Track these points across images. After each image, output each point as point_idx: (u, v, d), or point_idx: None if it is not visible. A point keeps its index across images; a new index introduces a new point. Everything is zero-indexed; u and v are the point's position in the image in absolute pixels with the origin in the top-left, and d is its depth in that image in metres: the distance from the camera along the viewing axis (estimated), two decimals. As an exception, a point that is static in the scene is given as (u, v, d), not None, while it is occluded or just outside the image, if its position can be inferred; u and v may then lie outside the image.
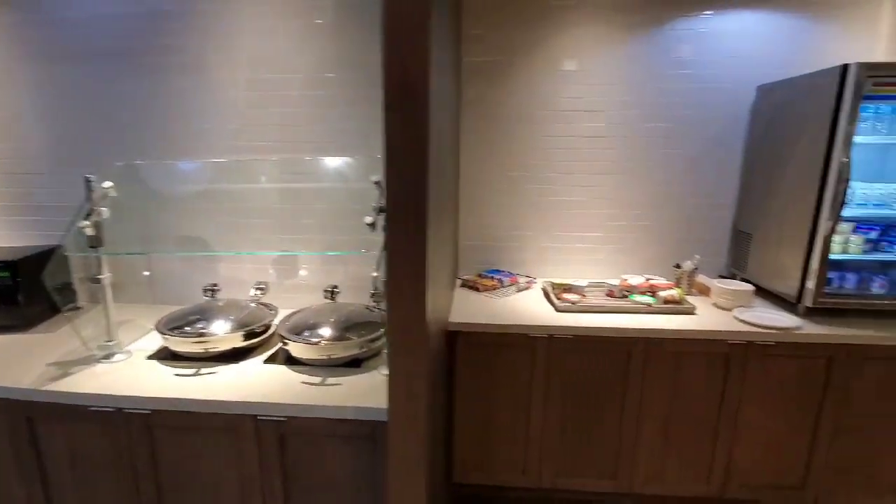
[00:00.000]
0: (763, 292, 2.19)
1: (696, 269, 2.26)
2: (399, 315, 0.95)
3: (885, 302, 1.90)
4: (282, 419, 1.33)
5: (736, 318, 1.90)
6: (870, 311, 1.93)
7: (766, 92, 2.20)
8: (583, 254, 2.54)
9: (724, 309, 2.03)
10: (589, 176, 2.46)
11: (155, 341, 1.75)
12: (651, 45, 2.31)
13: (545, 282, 2.28)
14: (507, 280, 2.37)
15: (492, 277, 2.39)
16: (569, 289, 2.17)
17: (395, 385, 0.99)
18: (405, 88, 0.85)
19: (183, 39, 1.99)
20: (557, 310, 2.00)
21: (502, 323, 1.86)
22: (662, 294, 2.03)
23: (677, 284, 2.28)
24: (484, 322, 1.87)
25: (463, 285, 2.37)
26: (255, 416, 1.34)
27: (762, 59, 2.27)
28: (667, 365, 1.86)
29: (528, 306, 2.08)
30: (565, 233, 2.53)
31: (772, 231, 2.10)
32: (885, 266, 2.11)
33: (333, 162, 1.94)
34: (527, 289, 2.36)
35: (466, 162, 2.48)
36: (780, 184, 2.05)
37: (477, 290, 2.30)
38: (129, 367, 1.61)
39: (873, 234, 1.99)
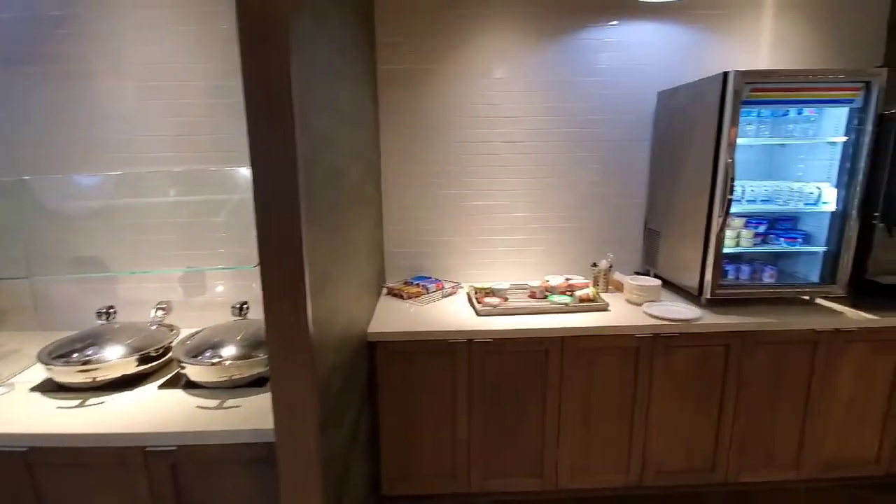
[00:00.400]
0: (672, 286, 2.31)
1: (610, 266, 2.36)
2: (276, 329, 0.92)
3: (776, 290, 2.06)
4: (172, 449, 1.24)
5: (645, 313, 1.99)
6: (763, 300, 2.09)
7: (665, 97, 2.34)
8: (508, 257, 2.59)
9: (635, 304, 2.13)
10: (510, 180, 2.52)
11: (42, 372, 1.59)
12: (563, 52, 2.40)
13: (470, 286, 2.29)
14: (432, 286, 2.37)
15: (417, 284, 2.38)
16: (490, 292, 2.19)
17: (279, 403, 0.95)
18: (265, 92, 0.82)
19: (67, 46, 1.84)
20: (479, 314, 2.02)
21: (421, 330, 1.85)
22: (578, 293, 2.10)
23: (595, 283, 2.37)
24: (403, 330, 1.85)
25: (388, 293, 2.35)
26: (143, 447, 1.25)
27: (663, 66, 2.42)
28: (583, 361, 1.92)
29: (452, 312, 2.08)
30: (490, 237, 2.57)
31: (675, 228, 2.22)
32: (775, 257, 2.29)
33: (239, 172, 1.86)
34: (452, 294, 2.36)
35: (388, 169, 2.46)
36: (680, 183, 2.18)
37: (402, 297, 2.28)
38: (8, 402, 1.46)
39: (762, 228, 2.15)
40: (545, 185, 2.52)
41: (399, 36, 2.33)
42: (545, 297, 2.21)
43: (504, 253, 2.59)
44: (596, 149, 2.50)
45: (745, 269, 2.16)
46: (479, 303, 2.07)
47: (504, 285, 2.21)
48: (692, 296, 2.12)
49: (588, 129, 2.47)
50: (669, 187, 2.28)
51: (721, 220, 1.90)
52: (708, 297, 1.99)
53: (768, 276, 2.13)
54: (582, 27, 2.38)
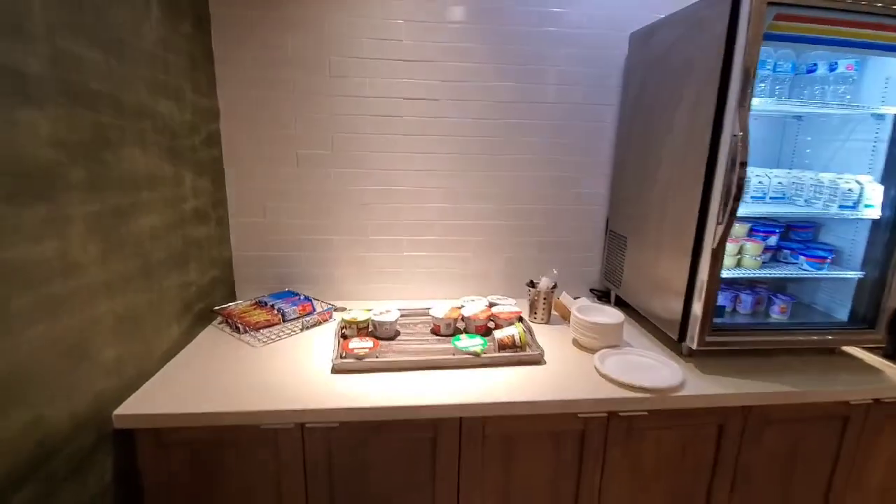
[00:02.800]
0: (639, 318, 1.61)
1: (554, 286, 1.63)
2: None
3: (790, 336, 1.36)
4: None
5: (598, 371, 1.27)
6: (772, 350, 1.40)
7: (640, 41, 1.59)
8: (416, 265, 1.83)
9: (585, 349, 1.41)
10: (419, 156, 1.74)
11: None
12: (496, -30, 1.61)
13: (345, 315, 1.50)
14: (292, 310, 1.58)
15: (272, 307, 1.59)
16: (366, 329, 1.43)
17: None
18: None
19: None
20: (334, 370, 1.25)
21: (215, 410, 1.07)
22: (498, 335, 1.35)
23: (531, 310, 1.64)
24: (187, 411, 1.06)
25: (223, 321, 1.55)
26: None
27: (638, -1, 1.68)
28: (495, 453, 1.19)
29: (297, 362, 1.30)
30: (390, 235, 1.80)
31: (649, 235, 1.51)
32: (787, 282, 1.61)
33: None
34: (320, 324, 1.59)
35: (231, 136, 1.64)
36: (658, 169, 1.46)
37: (238, 330, 1.48)
38: None
39: (773, 240, 1.46)
40: (468, 164, 1.76)
41: (234, -82, 1.48)
42: (454, 333, 1.47)
43: (410, 260, 1.83)
44: (541, 115, 1.74)
45: (747, 299, 1.47)
46: (340, 350, 1.30)
47: (390, 316, 1.45)
48: (668, 338, 1.42)
49: (530, 83, 1.71)
50: (642, 174, 1.56)
51: (723, 227, 1.18)
52: (694, 346, 1.29)
53: (778, 311, 1.45)
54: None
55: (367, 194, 1.75)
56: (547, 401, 1.13)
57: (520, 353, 1.31)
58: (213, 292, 1.60)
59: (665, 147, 1.41)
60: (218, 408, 1.06)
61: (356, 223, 1.77)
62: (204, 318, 1.52)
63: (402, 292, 1.84)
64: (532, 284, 1.65)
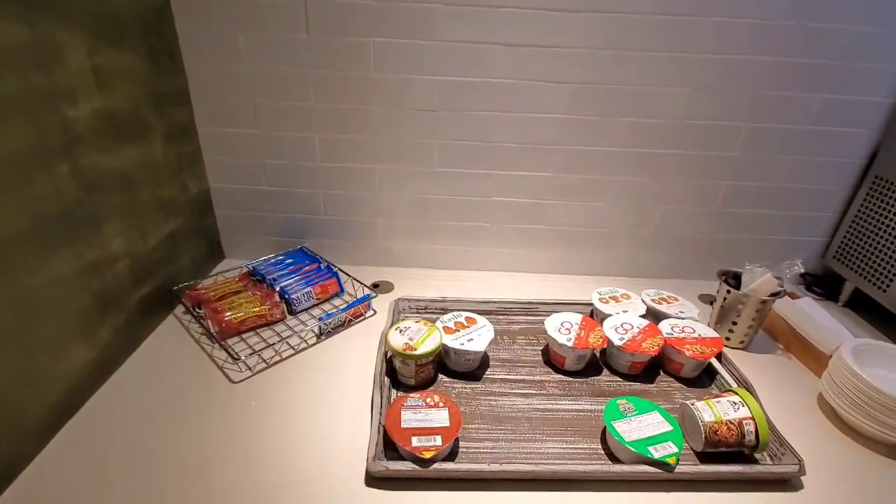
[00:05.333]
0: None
1: (781, 290, 0.86)
2: None
3: None
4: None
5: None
6: None
7: None
8: (513, 218, 1.11)
9: (868, 442, 0.70)
10: (524, 13, 0.91)
11: None
12: None
13: (393, 338, 0.82)
14: (304, 294, 0.93)
15: (271, 287, 0.94)
16: (429, 363, 0.75)
17: None
18: None
19: None
20: (369, 479, 0.61)
21: None
22: (706, 417, 0.65)
23: (719, 321, 0.90)
24: None
25: (187, 311, 0.91)
26: None
27: None
28: None
29: (296, 430, 0.67)
30: (469, 168, 1.05)
31: None
32: None
33: None
34: (349, 324, 0.93)
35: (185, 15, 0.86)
36: None
37: (209, 333, 0.85)
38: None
39: None
40: (619, 33, 0.92)
41: None
42: (587, 368, 0.79)
43: (503, 208, 1.09)
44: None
45: None
46: (382, 428, 0.64)
47: (478, 341, 0.76)
48: None
49: None
50: None
51: None
52: None
53: None
54: None
55: (432, 89, 0.97)
56: None
57: (748, 471, 0.62)
58: (177, 256, 0.95)
59: None
60: None
61: (412, 142, 1.02)
62: (157, 306, 0.89)
63: (488, 260, 1.15)
64: (733, 278, 0.90)
